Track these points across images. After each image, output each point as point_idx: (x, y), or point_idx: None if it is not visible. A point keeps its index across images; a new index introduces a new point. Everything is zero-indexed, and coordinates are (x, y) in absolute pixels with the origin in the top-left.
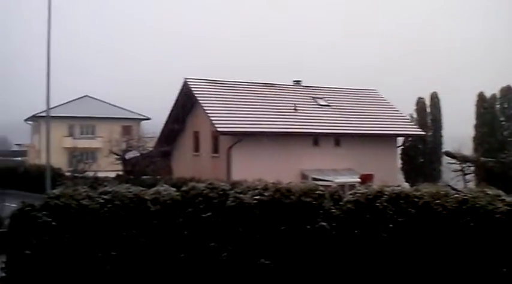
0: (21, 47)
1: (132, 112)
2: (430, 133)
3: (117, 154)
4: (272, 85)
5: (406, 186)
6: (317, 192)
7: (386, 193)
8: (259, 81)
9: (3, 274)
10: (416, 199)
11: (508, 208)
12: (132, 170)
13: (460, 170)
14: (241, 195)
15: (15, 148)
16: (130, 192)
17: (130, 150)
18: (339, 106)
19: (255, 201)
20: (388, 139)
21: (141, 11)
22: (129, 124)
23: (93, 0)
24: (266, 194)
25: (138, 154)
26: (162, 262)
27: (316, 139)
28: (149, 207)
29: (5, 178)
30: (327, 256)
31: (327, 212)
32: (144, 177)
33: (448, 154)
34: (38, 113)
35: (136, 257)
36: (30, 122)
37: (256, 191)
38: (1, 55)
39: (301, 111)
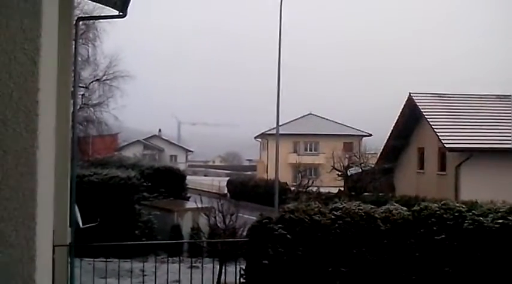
0: (252, 72)
1: (354, 128)
2: None
3: (339, 170)
4: (507, 97)
5: None
6: None
7: None
8: (491, 94)
9: (243, 280)
10: None
11: None
12: (354, 186)
13: None
14: (480, 218)
15: (246, 163)
16: (360, 209)
17: (352, 167)
18: None
19: (497, 225)
20: None
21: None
22: (350, 141)
23: (323, 19)
24: (510, 218)
25: (360, 171)
26: (392, 283)
27: None
28: (379, 226)
29: (238, 191)
30: None
31: None
32: (366, 193)
33: None
34: (266, 131)
35: (366, 275)
36: (259, 139)
37: (499, 214)
38: (236, 78)
39: None
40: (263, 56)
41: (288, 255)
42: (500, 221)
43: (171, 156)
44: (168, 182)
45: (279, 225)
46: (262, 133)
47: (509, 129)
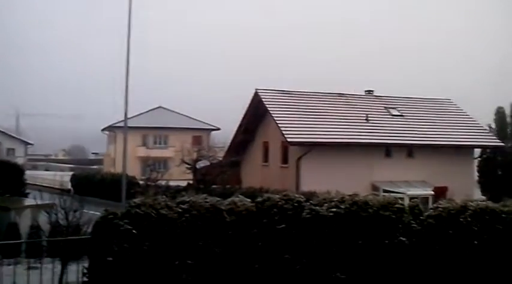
0: (98, 60)
1: (203, 122)
2: (510, 145)
3: (188, 164)
4: (343, 95)
5: (482, 199)
6: (396, 206)
7: (470, 208)
8: (330, 91)
9: (86, 279)
10: (504, 215)
11: None
12: (202, 179)
13: None
14: (316, 207)
15: (92, 157)
16: (207, 202)
17: (201, 160)
18: (412, 116)
19: (331, 214)
20: (464, 150)
21: (218, 22)
22: (199, 135)
23: (170, 10)
24: (342, 206)
25: (208, 164)
26: (237, 272)
27: (388, 150)
28: (225, 217)
29: (83, 186)
30: (406, 272)
31: (407, 227)
32: (214, 186)
33: None
34: (114, 123)
35: (212, 267)
36: (106, 132)
37: (333, 203)
38: (79, 67)
39: (373, 121)
40: (112, 47)
41: (134, 251)
42: (334, 210)
43: (8, 149)
44: (4, 177)
45: (125, 220)
46: (110, 126)
47: (344, 125)
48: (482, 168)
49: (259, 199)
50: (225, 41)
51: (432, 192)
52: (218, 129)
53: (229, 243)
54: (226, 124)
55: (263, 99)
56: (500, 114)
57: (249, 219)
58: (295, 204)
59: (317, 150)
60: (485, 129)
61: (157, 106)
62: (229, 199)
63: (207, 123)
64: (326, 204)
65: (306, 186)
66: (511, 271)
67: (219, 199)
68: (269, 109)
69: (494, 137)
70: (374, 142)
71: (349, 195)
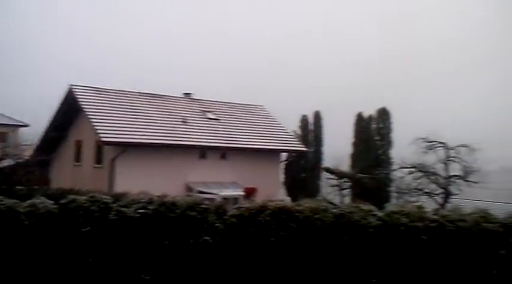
0: None
1: (9, 117)
2: (312, 150)
3: None
4: (161, 96)
5: (287, 199)
6: (202, 206)
7: (269, 207)
8: (148, 92)
9: None
10: (297, 214)
11: (380, 222)
12: (6, 179)
13: (337, 185)
14: (124, 209)
15: None
16: (3, 204)
17: (5, 159)
18: (227, 120)
19: (138, 215)
20: (272, 154)
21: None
22: (4, 131)
23: None
24: (151, 207)
25: (14, 163)
26: (35, 279)
27: (203, 152)
28: (23, 220)
29: None
30: (209, 271)
31: (211, 226)
32: (18, 187)
33: (327, 170)
34: None
35: (5, 274)
36: None
37: (141, 204)
38: None
39: (190, 124)
40: None
41: None
42: (142, 211)
43: None
44: None
45: None
46: None
47: (161, 126)
48: (288, 170)
49: (63, 200)
50: (42, 30)
51: (243, 193)
52: (27, 125)
53: (28, 248)
54: (38, 120)
55: (77, 96)
56: (304, 121)
57: (51, 222)
58: (102, 206)
59: (133, 151)
60: (291, 135)
61: None
62: (29, 201)
63: (13, 119)
64: (134, 205)
65: (121, 187)
66: (303, 263)
67: (17, 201)
68: (83, 106)
69: (299, 142)
70: (190, 144)
71: (158, 196)
